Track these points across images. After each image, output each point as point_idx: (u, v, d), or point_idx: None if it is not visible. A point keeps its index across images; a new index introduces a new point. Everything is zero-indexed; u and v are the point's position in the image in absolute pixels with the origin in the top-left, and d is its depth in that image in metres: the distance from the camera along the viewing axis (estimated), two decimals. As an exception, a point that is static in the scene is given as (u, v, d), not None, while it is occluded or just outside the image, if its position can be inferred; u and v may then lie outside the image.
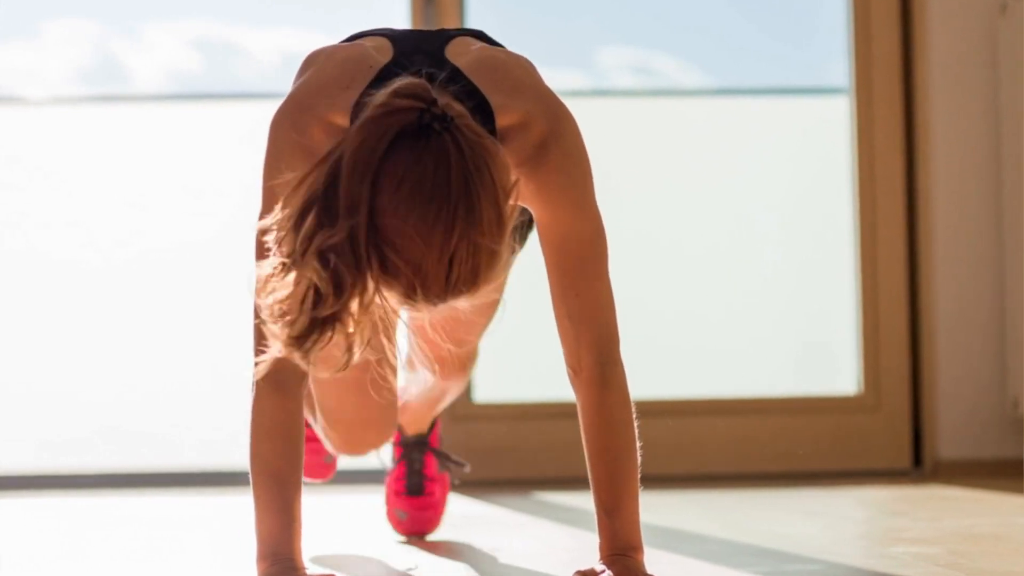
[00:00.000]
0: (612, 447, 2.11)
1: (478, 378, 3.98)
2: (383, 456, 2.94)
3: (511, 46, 2.13)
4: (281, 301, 1.80)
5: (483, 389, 4.03)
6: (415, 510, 2.85)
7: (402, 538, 2.87)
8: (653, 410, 4.01)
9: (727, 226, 4.23)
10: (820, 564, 2.41)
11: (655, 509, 3.29)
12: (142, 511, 3.57)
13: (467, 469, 2.97)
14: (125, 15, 4.45)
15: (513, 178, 1.86)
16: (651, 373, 4.12)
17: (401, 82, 1.86)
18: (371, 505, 3.40)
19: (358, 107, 1.99)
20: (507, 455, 3.97)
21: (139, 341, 4.23)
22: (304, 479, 2.86)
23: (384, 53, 2.08)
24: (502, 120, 2.02)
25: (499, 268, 1.83)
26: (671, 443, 4.03)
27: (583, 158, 2.09)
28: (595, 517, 2.09)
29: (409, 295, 1.81)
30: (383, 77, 2.01)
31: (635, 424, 2.13)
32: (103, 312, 4.23)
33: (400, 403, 2.80)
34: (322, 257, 1.77)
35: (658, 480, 3.90)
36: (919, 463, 4.09)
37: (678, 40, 4.34)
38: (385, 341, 1.90)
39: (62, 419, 4.20)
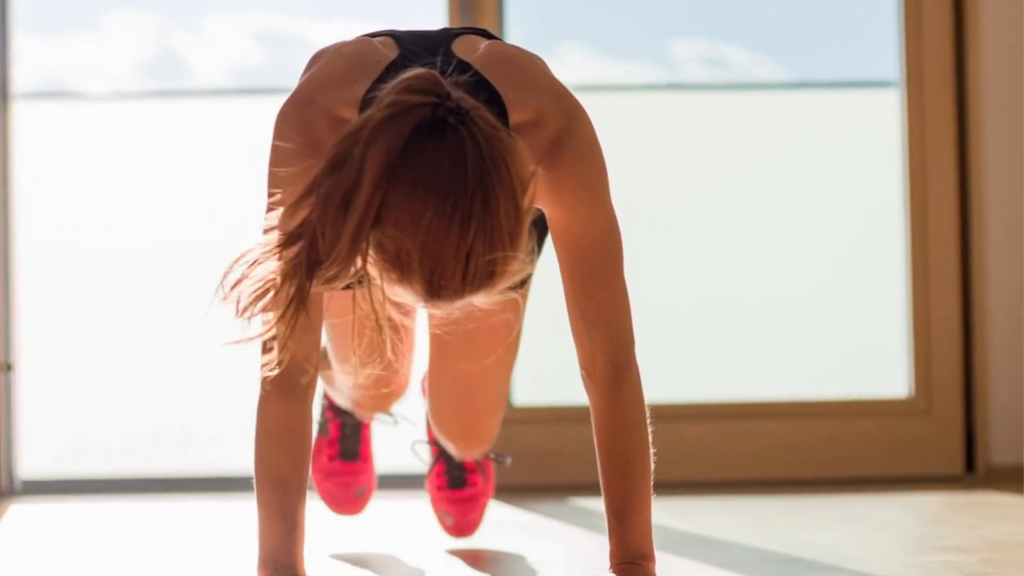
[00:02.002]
0: (624, 451, 2.11)
1: (517, 381, 3.92)
2: (422, 454, 2.91)
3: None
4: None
5: (522, 392, 3.98)
6: (460, 510, 2.81)
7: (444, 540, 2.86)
8: (698, 414, 3.97)
9: (774, 223, 4.17)
10: (845, 573, 2.39)
11: (692, 515, 3.26)
12: (187, 515, 3.55)
13: (508, 462, 2.93)
14: (185, 7, 4.45)
15: (531, 169, 1.84)
16: (697, 375, 4.07)
17: (411, 74, 1.84)
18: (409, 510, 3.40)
19: (366, 102, 1.98)
20: (546, 459, 3.91)
21: (200, 341, 4.21)
22: (336, 513, 2.88)
23: (391, 49, 2.07)
24: (515, 116, 2.01)
25: (516, 264, 1.81)
26: (716, 448, 3.97)
27: (598, 156, 2.07)
28: (606, 523, 2.07)
29: (427, 291, 1.80)
30: (391, 71, 1.99)
31: (649, 428, 2.11)
32: (164, 313, 4.21)
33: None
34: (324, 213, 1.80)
35: (701, 486, 3.85)
36: (971, 469, 4.00)
37: (742, 31, 4.28)
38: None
39: (129, 420, 4.19)
